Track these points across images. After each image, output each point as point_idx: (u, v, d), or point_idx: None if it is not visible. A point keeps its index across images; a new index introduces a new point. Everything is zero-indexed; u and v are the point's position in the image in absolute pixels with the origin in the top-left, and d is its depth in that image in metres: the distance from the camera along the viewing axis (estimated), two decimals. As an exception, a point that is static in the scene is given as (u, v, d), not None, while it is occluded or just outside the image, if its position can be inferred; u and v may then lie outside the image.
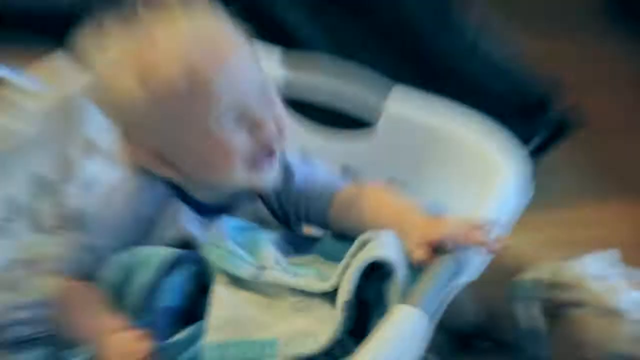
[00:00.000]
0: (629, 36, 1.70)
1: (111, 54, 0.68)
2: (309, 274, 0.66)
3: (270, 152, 0.70)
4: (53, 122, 0.88)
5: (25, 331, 0.73)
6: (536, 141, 1.30)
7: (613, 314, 0.84)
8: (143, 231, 0.72)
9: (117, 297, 0.69)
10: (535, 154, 1.32)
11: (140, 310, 0.67)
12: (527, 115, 1.28)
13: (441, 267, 0.61)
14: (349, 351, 0.58)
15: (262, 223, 0.74)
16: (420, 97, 0.90)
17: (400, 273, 0.60)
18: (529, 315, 0.87)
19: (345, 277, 0.61)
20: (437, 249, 0.62)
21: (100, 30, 0.68)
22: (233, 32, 0.71)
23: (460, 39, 1.33)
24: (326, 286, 0.62)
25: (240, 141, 0.68)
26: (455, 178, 0.84)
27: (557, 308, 0.85)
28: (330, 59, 1.08)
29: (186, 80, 0.64)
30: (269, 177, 0.71)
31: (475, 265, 0.66)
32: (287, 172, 0.75)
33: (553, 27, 1.77)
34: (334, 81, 0.95)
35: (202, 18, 0.70)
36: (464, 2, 1.34)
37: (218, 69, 0.66)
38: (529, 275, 0.90)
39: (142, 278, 0.67)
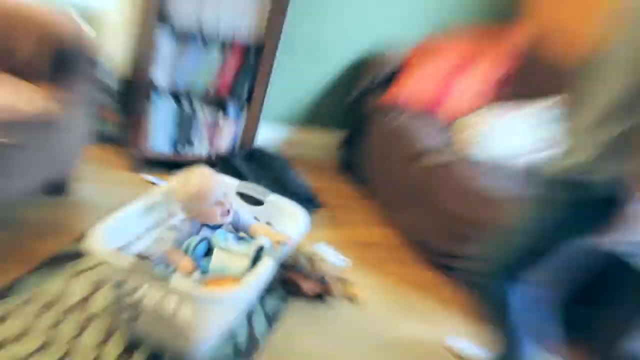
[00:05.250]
0: (349, 180, 3.93)
1: (177, 186, 2.56)
2: (245, 247, 2.57)
3: (227, 211, 2.58)
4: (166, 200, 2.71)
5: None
6: (311, 209, 3.46)
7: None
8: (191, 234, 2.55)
9: (186, 251, 2.48)
10: (312, 210, 3.43)
11: (191, 254, 2.53)
12: (310, 202, 3.44)
13: (279, 251, 2.51)
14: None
15: (233, 231, 2.62)
16: (278, 197, 2.94)
17: (269, 250, 2.48)
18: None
19: (251, 250, 2.54)
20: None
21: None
22: (210, 175, 2.58)
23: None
24: (249, 252, 2.54)
25: (219, 210, 2.54)
26: (287, 221, 2.79)
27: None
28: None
29: (197, 193, 2.51)
30: (228, 219, 2.59)
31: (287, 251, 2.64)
32: (235, 216, 2.63)
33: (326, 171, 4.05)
34: (256, 189, 2.97)
35: (199, 173, 2.56)
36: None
37: (206, 189, 2.52)
38: (300, 250, 2.90)
39: (193, 243, 2.47)
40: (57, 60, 2.74)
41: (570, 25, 3.87)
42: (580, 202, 1.92)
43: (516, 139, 3.65)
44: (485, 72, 4.01)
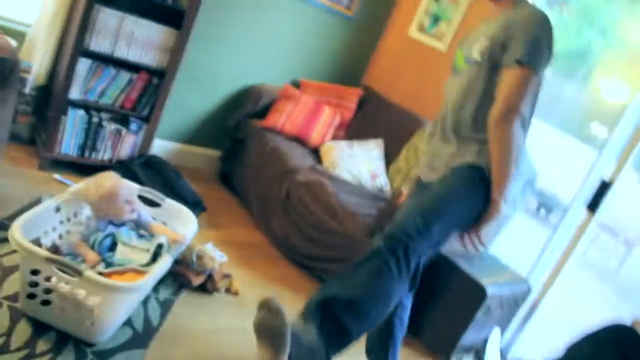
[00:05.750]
0: (227, 189, 3.78)
1: (89, 187, 2.33)
2: (146, 243, 2.37)
3: (134, 210, 2.41)
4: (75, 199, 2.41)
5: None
6: (196, 212, 3.26)
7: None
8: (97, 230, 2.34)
9: (92, 246, 2.29)
10: (198, 213, 3.23)
11: (97, 248, 2.33)
12: (197, 204, 3.23)
13: (175, 248, 2.37)
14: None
15: (135, 229, 2.43)
16: (173, 201, 2.72)
17: (167, 247, 2.34)
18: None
19: (151, 246, 2.36)
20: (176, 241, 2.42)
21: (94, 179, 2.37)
22: (119, 179, 2.38)
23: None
24: (150, 248, 2.35)
25: (127, 208, 2.36)
26: (179, 223, 2.62)
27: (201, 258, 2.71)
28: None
29: (109, 193, 2.31)
30: (133, 216, 2.40)
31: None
32: (137, 215, 2.43)
33: (207, 180, 3.83)
34: (154, 194, 2.73)
35: (110, 177, 2.35)
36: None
37: (117, 189, 2.32)
38: (191, 248, 2.70)
39: (99, 238, 2.31)
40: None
41: (396, 88, 4.06)
42: (472, 178, 2.12)
43: (359, 166, 3.67)
44: (330, 116, 4.11)
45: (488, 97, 2.12)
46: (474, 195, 2.10)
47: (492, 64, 2.11)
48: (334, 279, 2.00)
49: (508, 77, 2.05)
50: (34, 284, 1.99)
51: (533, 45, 2.01)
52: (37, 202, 2.80)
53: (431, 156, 2.33)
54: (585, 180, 3.17)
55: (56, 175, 3.18)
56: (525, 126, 2.14)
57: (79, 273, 1.90)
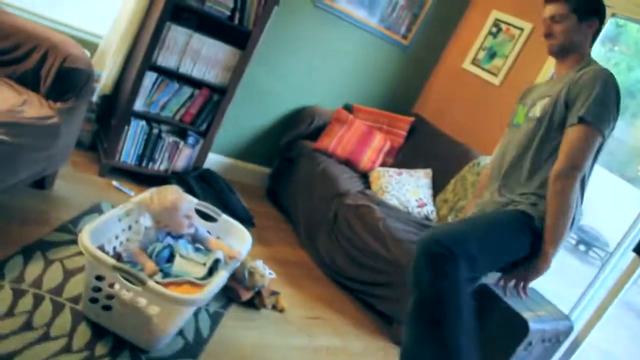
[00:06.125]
0: (275, 206, 3.83)
1: (153, 198, 2.39)
2: (202, 257, 2.44)
3: (192, 224, 2.48)
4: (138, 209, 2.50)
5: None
6: (250, 223, 3.31)
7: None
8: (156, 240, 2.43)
9: (150, 255, 2.36)
10: (250, 226, 3.29)
11: (155, 258, 2.40)
12: (248, 219, 3.29)
13: (231, 264, 2.44)
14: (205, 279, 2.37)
15: (192, 242, 2.51)
16: (228, 217, 2.78)
17: (223, 263, 2.41)
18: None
19: (208, 260, 2.42)
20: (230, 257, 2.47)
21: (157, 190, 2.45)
22: (181, 193, 2.45)
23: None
24: (207, 261, 2.41)
25: (187, 222, 2.43)
26: (233, 238, 2.69)
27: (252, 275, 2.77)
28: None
29: (172, 205, 2.39)
30: (191, 230, 2.47)
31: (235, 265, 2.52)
32: (195, 229, 2.49)
33: (256, 196, 3.91)
34: (212, 209, 2.80)
35: (173, 190, 2.42)
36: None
37: (179, 203, 2.40)
38: (243, 264, 2.75)
39: (157, 248, 2.38)
40: (60, 75, 2.59)
41: (448, 118, 4.08)
42: (523, 223, 2.11)
43: (407, 194, 3.69)
44: (381, 142, 4.14)
45: (545, 154, 2.17)
46: (521, 237, 2.09)
47: (552, 122, 2.16)
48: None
49: (572, 135, 2.07)
50: (97, 289, 2.06)
51: (599, 104, 2.02)
52: (96, 207, 2.89)
53: (484, 205, 2.37)
54: (635, 222, 3.14)
55: (114, 182, 3.28)
56: (584, 183, 2.14)
57: (142, 283, 1.96)
